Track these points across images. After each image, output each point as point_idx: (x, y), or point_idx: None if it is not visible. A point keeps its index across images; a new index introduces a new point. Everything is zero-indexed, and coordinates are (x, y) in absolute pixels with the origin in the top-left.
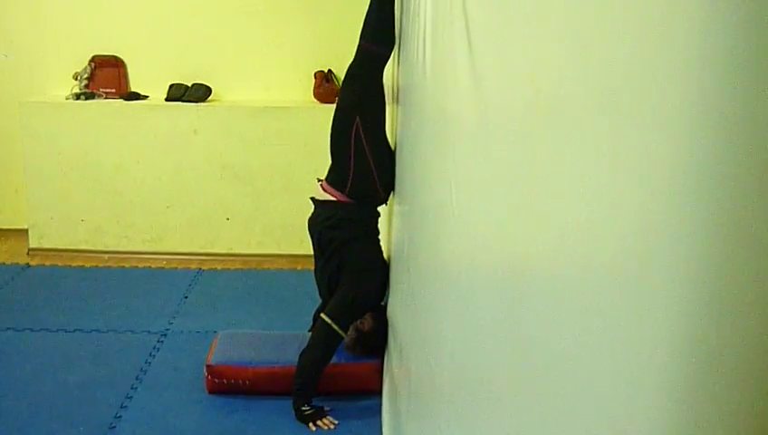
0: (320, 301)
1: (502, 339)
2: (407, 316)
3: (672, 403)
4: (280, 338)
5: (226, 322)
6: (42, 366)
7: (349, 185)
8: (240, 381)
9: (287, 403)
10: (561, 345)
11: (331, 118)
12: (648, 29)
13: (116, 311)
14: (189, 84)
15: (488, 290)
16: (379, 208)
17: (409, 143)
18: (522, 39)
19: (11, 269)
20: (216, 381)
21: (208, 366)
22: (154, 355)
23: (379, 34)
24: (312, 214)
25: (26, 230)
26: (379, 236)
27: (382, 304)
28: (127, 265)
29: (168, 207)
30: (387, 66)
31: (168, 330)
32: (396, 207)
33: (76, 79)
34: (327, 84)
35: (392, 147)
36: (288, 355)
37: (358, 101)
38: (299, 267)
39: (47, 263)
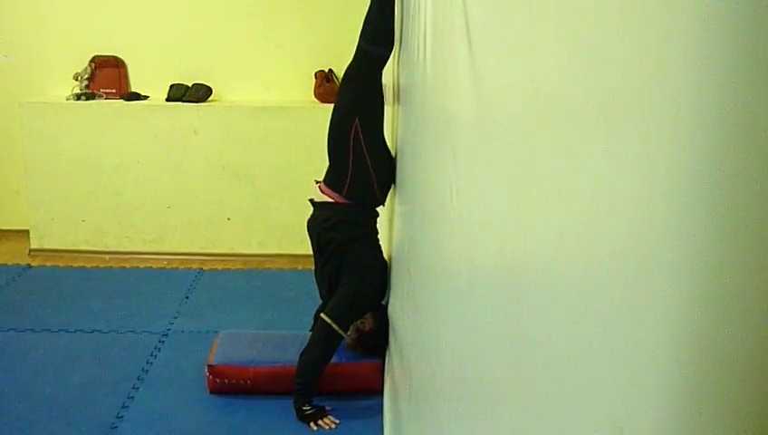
0: (320, 301)
1: (502, 339)
2: (407, 316)
3: (672, 403)
4: (281, 338)
5: (227, 322)
6: (43, 366)
7: (347, 186)
8: (241, 381)
9: (288, 403)
10: (561, 345)
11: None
12: (648, 28)
13: (117, 311)
14: (190, 84)
15: (488, 290)
16: (379, 209)
17: (410, 143)
18: (522, 38)
19: (12, 270)
20: (218, 380)
21: (209, 366)
22: (155, 355)
23: (379, 35)
24: (311, 215)
25: (27, 231)
26: (379, 236)
27: (383, 303)
28: (128, 266)
29: (168, 207)
30: (387, 65)
31: (169, 330)
32: (397, 208)
33: (76, 79)
34: (327, 84)
35: (391, 148)
36: (289, 355)
37: (357, 102)
38: (300, 267)
39: (48, 263)
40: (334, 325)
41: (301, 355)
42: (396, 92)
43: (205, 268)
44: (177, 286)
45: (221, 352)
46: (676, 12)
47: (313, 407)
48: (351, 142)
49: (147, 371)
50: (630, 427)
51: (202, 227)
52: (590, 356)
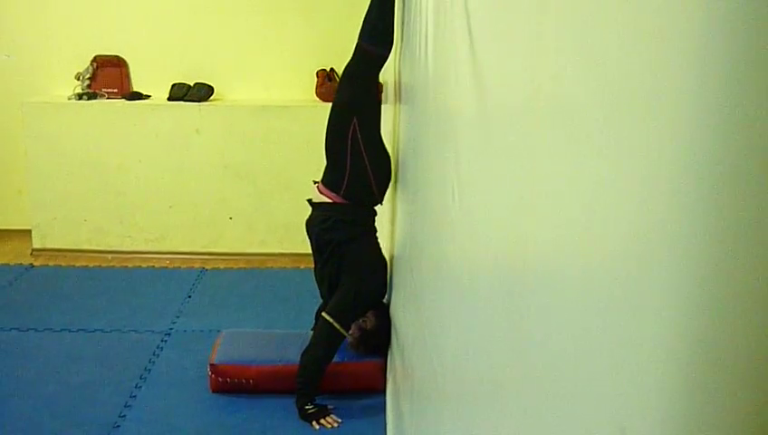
0: (322, 300)
1: (502, 338)
2: (409, 315)
3: (672, 403)
4: (283, 337)
5: (230, 321)
6: (46, 366)
7: (344, 186)
8: (243, 380)
9: (291, 402)
10: (561, 345)
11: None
12: (648, 28)
13: (119, 311)
14: (191, 84)
15: (489, 289)
16: (378, 208)
17: (412, 142)
18: (523, 37)
19: (15, 269)
20: (220, 380)
21: (212, 365)
22: (158, 355)
23: (379, 35)
24: (310, 216)
25: (29, 231)
26: (378, 235)
27: (384, 301)
28: (130, 265)
29: (170, 206)
30: (389, 64)
31: (171, 329)
32: (399, 206)
33: (78, 79)
34: (329, 83)
35: (392, 147)
36: (291, 354)
37: (355, 102)
38: (302, 266)
39: (50, 263)
40: (336, 324)
41: (302, 354)
42: (398, 91)
43: (207, 267)
44: (180, 286)
45: (223, 351)
46: (676, 12)
47: (316, 406)
48: (349, 141)
49: (149, 370)
50: (632, 426)
51: (204, 227)
52: (590, 356)
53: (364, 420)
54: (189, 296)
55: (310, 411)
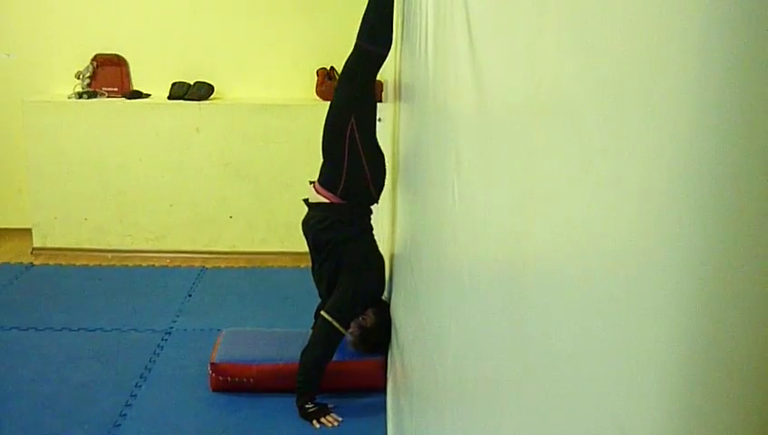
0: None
1: (503, 338)
2: (409, 315)
3: (672, 403)
4: (284, 335)
5: (230, 320)
6: (46, 365)
7: (341, 185)
8: (244, 379)
9: (291, 401)
10: (561, 345)
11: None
12: (649, 27)
13: (120, 309)
14: (191, 82)
15: (489, 289)
16: (376, 207)
17: (413, 140)
18: (523, 35)
19: (15, 269)
20: (221, 378)
21: (212, 364)
22: (158, 354)
23: (377, 34)
24: (306, 216)
25: (30, 230)
26: (377, 234)
27: (383, 298)
28: (130, 264)
29: (171, 205)
30: (389, 62)
31: (171, 328)
32: (399, 206)
33: (78, 78)
34: (329, 82)
35: (392, 146)
36: (292, 353)
37: (353, 101)
38: (302, 265)
39: (51, 262)
40: (335, 323)
41: (302, 353)
42: (398, 90)
43: (207, 266)
44: (180, 284)
45: (224, 350)
46: (676, 12)
47: (316, 405)
48: (347, 141)
49: (150, 369)
50: (631, 426)
51: (204, 225)
52: (590, 356)
53: (365, 419)
54: (190, 295)
55: (310, 410)
